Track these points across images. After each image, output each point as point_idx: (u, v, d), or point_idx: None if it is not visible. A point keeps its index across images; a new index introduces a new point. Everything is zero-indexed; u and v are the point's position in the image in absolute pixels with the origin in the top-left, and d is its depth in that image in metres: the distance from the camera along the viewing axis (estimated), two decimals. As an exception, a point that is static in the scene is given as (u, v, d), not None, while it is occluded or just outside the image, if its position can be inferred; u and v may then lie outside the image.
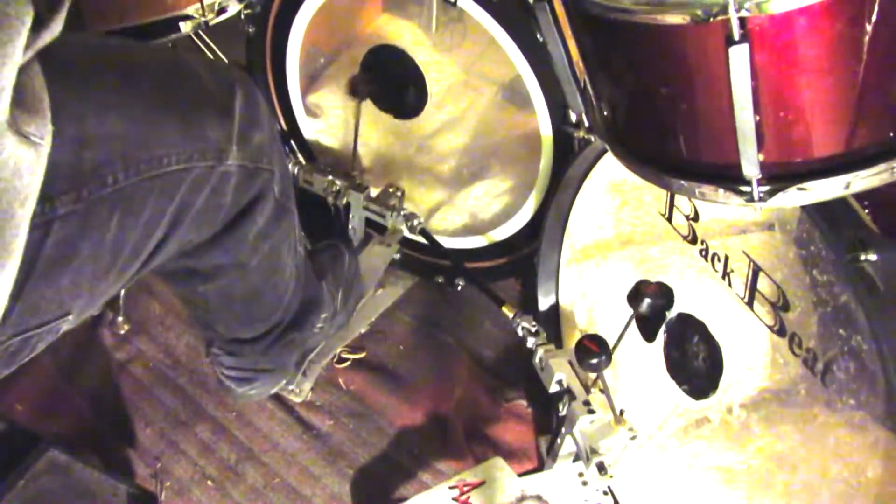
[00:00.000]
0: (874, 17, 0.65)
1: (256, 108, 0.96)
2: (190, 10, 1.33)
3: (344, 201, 1.50)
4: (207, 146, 0.86)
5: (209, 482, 1.33)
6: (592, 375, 1.08)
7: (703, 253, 1.04)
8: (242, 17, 1.47)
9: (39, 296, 0.73)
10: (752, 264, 0.96)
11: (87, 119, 0.73)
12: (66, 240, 0.72)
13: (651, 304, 1.09)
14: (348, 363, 1.47)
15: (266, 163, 0.98)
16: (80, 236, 0.74)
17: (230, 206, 0.95)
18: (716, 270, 1.02)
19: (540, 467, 1.30)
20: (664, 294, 1.13)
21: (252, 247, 1.03)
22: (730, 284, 1.00)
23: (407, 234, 1.49)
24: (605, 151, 1.11)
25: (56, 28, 0.65)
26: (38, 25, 0.62)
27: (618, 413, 1.04)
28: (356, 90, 1.42)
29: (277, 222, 1.05)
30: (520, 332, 1.21)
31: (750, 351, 1.00)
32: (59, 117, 0.67)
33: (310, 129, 1.65)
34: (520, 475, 1.11)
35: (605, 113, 0.89)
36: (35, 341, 0.77)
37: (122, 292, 1.54)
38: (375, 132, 1.60)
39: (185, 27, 1.34)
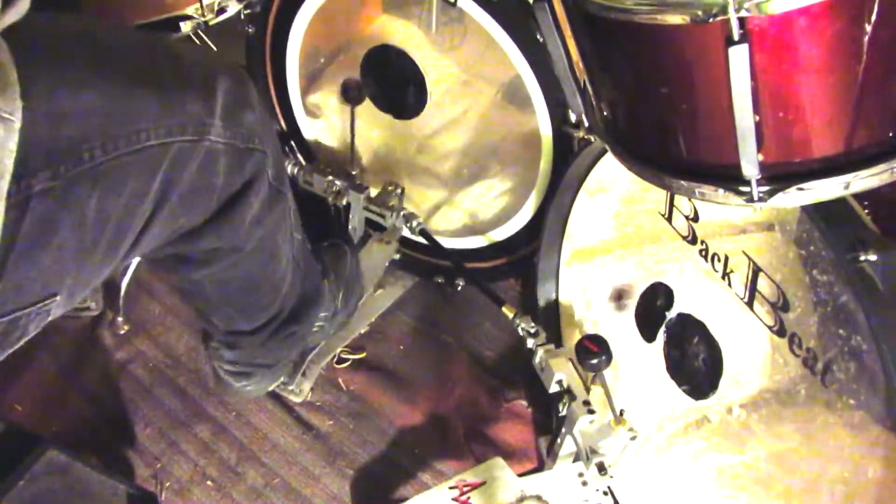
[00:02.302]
0: (874, 18, 0.65)
1: (244, 89, 0.95)
2: (190, 10, 1.33)
3: (344, 201, 1.50)
4: (187, 120, 0.85)
5: (209, 482, 1.33)
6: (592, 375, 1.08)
7: (703, 253, 1.04)
8: (242, 17, 1.47)
9: (22, 275, 0.72)
10: (752, 264, 0.96)
11: (60, 95, 0.72)
12: (45, 218, 0.72)
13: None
14: (348, 363, 1.47)
15: (258, 144, 0.97)
16: (60, 214, 0.73)
17: (223, 187, 0.94)
18: (716, 270, 1.02)
19: (540, 467, 1.30)
20: (664, 294, 1.13)
21: (247, 231, 1.02)
22: (730, 284, 1.00)
23: (407, 234, 1.49)
24: (604, 152, 1.11)
25: (23, 6, 0.65)
26: (4, 4, 0.62)
27: (618, 413, 1.04)
28: (347, 95, 1.42)
29: (272, 206, 1.05)
30: (520, 333, 1.21)
31: (750, 351, 1.00)
32: (30, 93, 0.67)
33: (310, 129, 1.65)
34: (520, 475, 1.11)
35: (605, 113, 0.89)
36: (24, 323, 0.76)
37: (123, 292, 1.54)
38: (375, 132, 1.60)
39: (185, 27, 1.34)
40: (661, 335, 1.14)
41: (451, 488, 1.07)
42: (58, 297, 0.78)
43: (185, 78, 0.87)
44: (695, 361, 1.09)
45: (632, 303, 1.20)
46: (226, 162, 0.92)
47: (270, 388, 1.34)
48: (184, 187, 0.87)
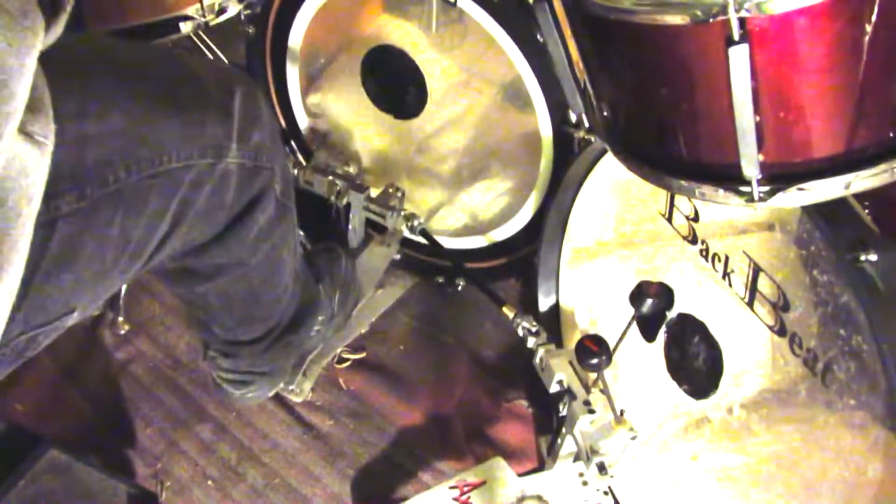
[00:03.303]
0: (874, 18, 0.65)
1: (256, 107, 0.96)
2: (190, 11, 1.33)
3: (344, 202, 1.49)
4: (207, 144, 0.87)
5: (209, 482, 1.33)
6: (593, 375, 1.08)
7: (704, 253, 1.04)
8: (242, 17, 1.47)
9: (45, 294, 0.73)
10: (752, 264, 0.96)
11: (88, 118, 0.74)
12: (71, 238, 0.73)
13: (653, 304, 1.10)
14: (348, 363, 1.47)
15: (266, 161, 0.98)
16: (84, 235, 0.74)
17: (232, 204, 0.95)
18: (716, 270, 1.02)
19: (540, 467, 1.30)
20: (664, 294, 1.13)
21: (253, 246, 1.03)
22: (730, 284, 1.00)
23: (407, 234, 1.49)
24: (605, 152, 1.11)
25: (58, 30, 0.65)
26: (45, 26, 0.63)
27: (618, 413, 1.04)
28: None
29: (278, 222, 1.05)
30: (520, 333, 1.21)
31: (750, 351, 1.00)
32: (61, 116, 0.67)
33: (310, 129, 1.65)
34: (520, 475, 1.11)
35: (606, 113, 0.89)
36: (41, 338, 0.77)
37: (123, 292, 1.54)
38: (375, 132, 1.60)
39: (185, 28, 1.34)
40: (661, 335, 1.14)
41: (451, 488, 1.07)
42: (74, 313, 0.79)
43: (204, 98, 0.88)
44: (695, 361, 1.09)
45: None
46: (236, 181, 0.93)
47: (270, 394, 1.34)
48: (199, 207, 0.89)
